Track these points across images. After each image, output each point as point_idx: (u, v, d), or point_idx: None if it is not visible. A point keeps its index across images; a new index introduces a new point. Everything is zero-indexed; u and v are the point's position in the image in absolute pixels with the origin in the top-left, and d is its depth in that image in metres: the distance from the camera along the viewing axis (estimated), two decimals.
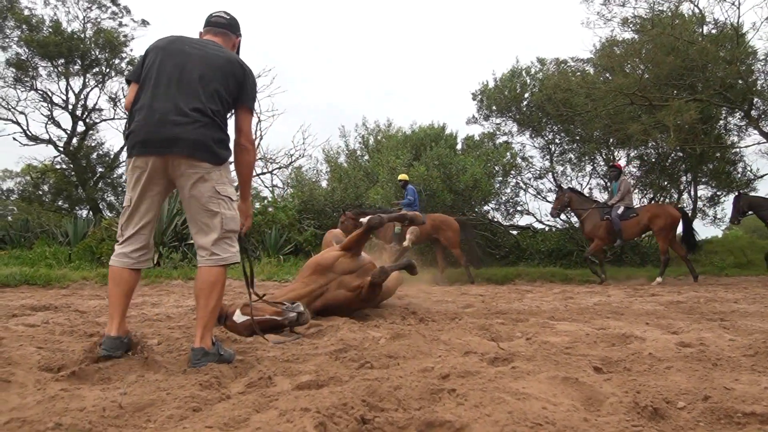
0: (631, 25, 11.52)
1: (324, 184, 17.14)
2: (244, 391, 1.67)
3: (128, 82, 2.47)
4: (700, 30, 11.65)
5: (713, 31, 11.59)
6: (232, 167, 2.59)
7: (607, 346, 2.60)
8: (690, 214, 14.40)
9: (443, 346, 2.59)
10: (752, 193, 11.63)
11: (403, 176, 10.88)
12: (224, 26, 2.61)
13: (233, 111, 2.48)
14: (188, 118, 2.23)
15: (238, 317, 3.03)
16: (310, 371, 1.89)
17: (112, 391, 1.67)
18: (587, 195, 10.60)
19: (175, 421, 1.34)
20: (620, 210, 9.42)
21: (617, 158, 15.30)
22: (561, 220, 15.14)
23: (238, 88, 2.41)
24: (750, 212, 10.04)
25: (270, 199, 17.59)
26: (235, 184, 2.50)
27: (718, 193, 14.47)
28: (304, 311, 3.03)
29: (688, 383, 1.71)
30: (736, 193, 10.61)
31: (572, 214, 10.92)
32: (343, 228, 10.39)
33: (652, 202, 14.86)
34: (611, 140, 13.81)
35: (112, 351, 2.10)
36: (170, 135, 2.20)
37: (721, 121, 13.56)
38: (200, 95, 2.28)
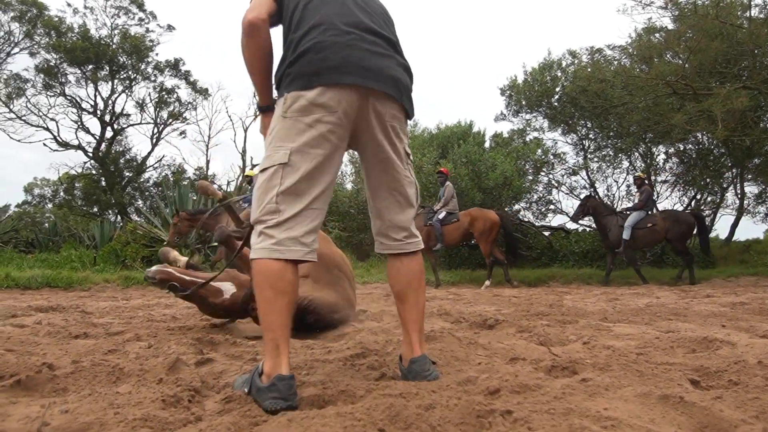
0: (672, 9, 10.79)
1: (348, 186, 16.81)
2: (222, 409, 1.25)
3: None
4: (746, 14, 10.87)
5: (761, 16, 10.81)
6: None
7: (687, 351, 2.10)
8: (737, 213, 13.55)
9: (483, 351, 2.13)
10: None
11: (251, 172, 10.51)
12: None
13: None
14: (391, 50, 1.69)
15: (230, 289, 2.65)
16: (316, 383, 1.46)
17: (56, 408, 1.28)
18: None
19: None
20: (441, 215, 9.35)
21: (655, 154, 14.52)
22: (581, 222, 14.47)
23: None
24: (590, 215, 10.08)
25: None
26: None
27: (767, 189, 13.53)
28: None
29: None
30: (586, 194, 10.62)
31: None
32: (177, 231, 9.37)
33: (692, 201, 14.04)
34: (648, 135, 13.05)
35: (291, 400, 1.32)
36: (378, 66, 1.60)
37: None
38: (389, 25, 1.77)
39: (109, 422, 1.06)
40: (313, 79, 1.54)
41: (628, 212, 9.68)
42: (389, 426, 0.99)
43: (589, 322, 3.19)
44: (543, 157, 13.54)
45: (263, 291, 1.46)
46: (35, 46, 18.07)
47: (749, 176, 13.92)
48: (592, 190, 14.11)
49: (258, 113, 1.82)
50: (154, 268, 2.70)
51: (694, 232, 9.59)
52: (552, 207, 14.04)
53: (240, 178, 19.30)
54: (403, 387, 1.35)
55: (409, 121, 1.79)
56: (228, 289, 2.62)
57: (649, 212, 9.74)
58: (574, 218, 10.38)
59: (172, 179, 20.91)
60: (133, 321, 3.50)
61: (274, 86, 1.72)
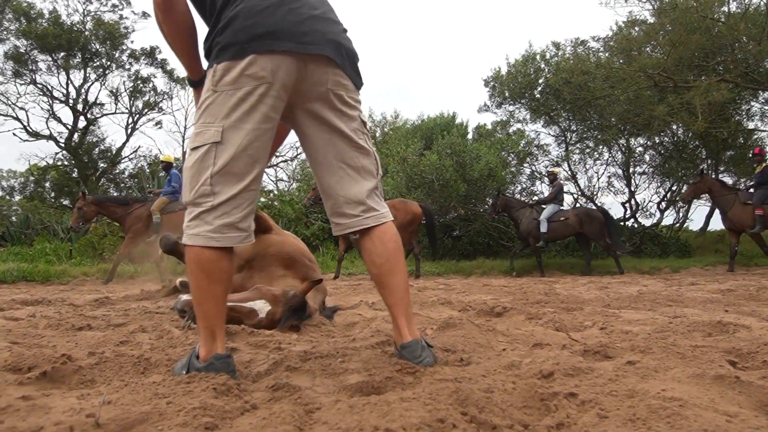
0: (653, 2, 10.96)
1: None
2: (272, 397, 1.21)
3: None
4: (724, 9, 11.12)
5: (738, 10, 11.06)
6: None
7: (705, 335, 2.13)
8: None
9: (503, 337, 2.13)
10: None
11: (166, 157, 9.10)
12: None
13: None
14: (333, 15, 1.58)
15: (263, 307, 2.43)
16: (359, 369, 1.43)
17: (93, 399, 1.22)
18: None
19: None
20: None
21: (633, 146, 14.79)
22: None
23: None
24: (503, 211, 10.60)
25: (275, 192, 17.16)
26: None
27: (741, 180, 13.93)
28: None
29: None
30: (497, 192, 11.04)
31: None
32: (82, 215, 8.65)
33: (668, 193, 14.39)
34: (627, 127, 13.27)
35: (231, 374, 1.37)
36: (317, 29, 1.48)
37: (744, 106, 13.02)
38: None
39: (167, 412, 1.01)
40: (244, 47, 1.40)
41: (543, 206, 10.15)
42: (466, 410, 0.96)
43: (595, 308, 3.23)
44: (526, 148, 13.66)
45: (198, 280, 1.41)
46: (4, 32, 17.39)
47: (722, 168, 14.32)
48: (572, 181, 14.32)
49: (190, 88, 1.70)
50: (183, 298, 2.57)
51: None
52: (536, 198, 14.17)
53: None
54: (452, 372, 1.33)
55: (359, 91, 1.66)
56: (262, 307, 2.48)
57: (562, 207, 10.28)
58: (489, 215, 10.86)
59: (148, 170, 20.44)
60: (131, 313, 3.40)
61: (203, 57, 1.58)
